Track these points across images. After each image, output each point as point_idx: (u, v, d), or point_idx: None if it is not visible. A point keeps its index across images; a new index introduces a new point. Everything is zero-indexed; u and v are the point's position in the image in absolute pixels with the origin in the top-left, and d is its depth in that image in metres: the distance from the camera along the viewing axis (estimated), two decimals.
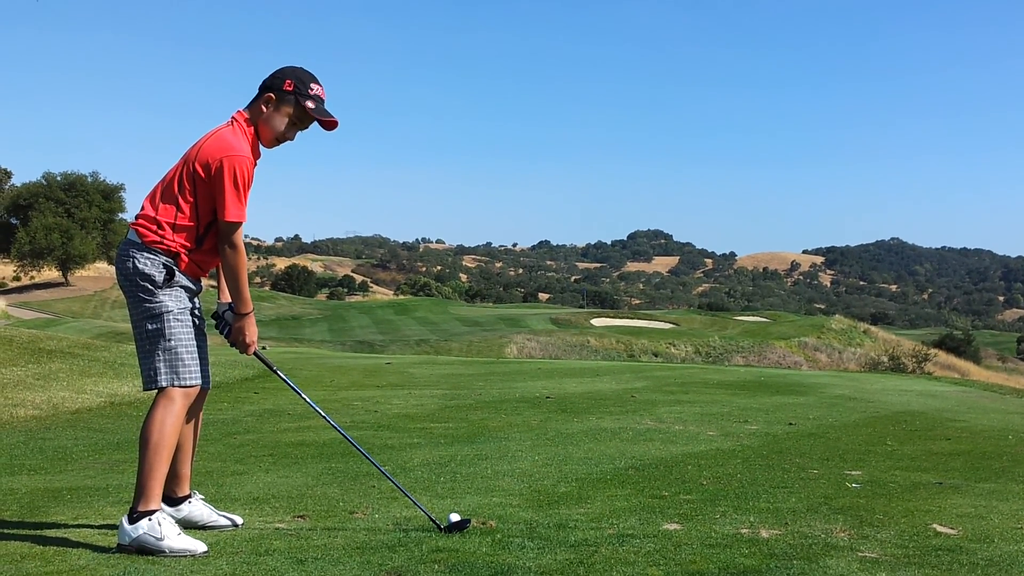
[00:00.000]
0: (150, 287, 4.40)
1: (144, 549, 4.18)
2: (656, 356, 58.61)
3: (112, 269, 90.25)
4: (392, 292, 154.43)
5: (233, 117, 4.57)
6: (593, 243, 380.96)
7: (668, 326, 74.25)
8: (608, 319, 76.77)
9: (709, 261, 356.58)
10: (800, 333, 68.22)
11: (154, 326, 4.42)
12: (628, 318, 79.34)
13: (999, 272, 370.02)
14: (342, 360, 21.54)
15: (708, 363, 57.68)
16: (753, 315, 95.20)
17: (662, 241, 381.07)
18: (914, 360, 43.79)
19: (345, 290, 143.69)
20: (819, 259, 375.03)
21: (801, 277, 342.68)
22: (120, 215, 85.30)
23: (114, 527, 4.69)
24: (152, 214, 4.42)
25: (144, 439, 4.36)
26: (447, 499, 5.39)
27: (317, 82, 4.60)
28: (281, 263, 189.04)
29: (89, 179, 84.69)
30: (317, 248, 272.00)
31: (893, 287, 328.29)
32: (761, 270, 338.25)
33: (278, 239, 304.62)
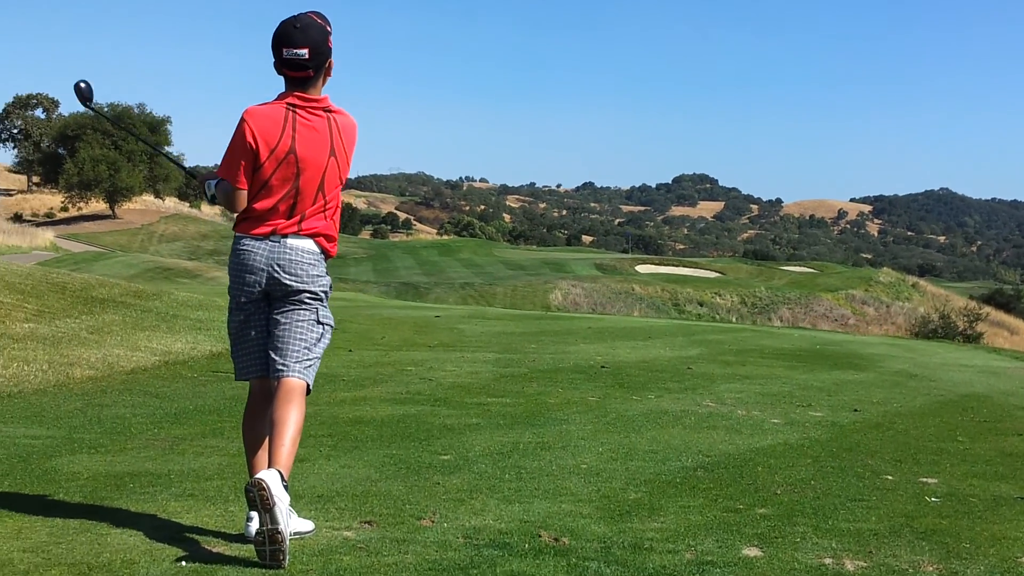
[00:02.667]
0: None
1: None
2: (702, 306, 58.26)
3: (158, 203, 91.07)
4: (435, 231, 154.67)
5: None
6: (638, 186, 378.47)
7: (714, 275, 73.71)
8: (653, 266, 76.30)
9: (755, 207, 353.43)
10: (847, 285, 67.49)
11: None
12: (673, 265, 78.75)
13: None
14: (391, 311, 21.49)
15: (754, 313, 57.40)
16: (799, 265, 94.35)
17: (707, 186, 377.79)
18: (965, 320, 43.14)
19: (389, 227, 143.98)
20: (867, 208, 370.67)
21: (848, 226, 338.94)
22: (166, 148, 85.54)
23: (175, 525, 4.63)
24: None
25: None
26: (515, 504, 5.25)
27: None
28: None
29: (136, 111, 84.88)
30: (361, 184, 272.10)
31: (941, 238, 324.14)
32: (807, 217, 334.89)
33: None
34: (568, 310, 49.13)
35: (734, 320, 55.15)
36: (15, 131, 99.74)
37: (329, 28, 4.40)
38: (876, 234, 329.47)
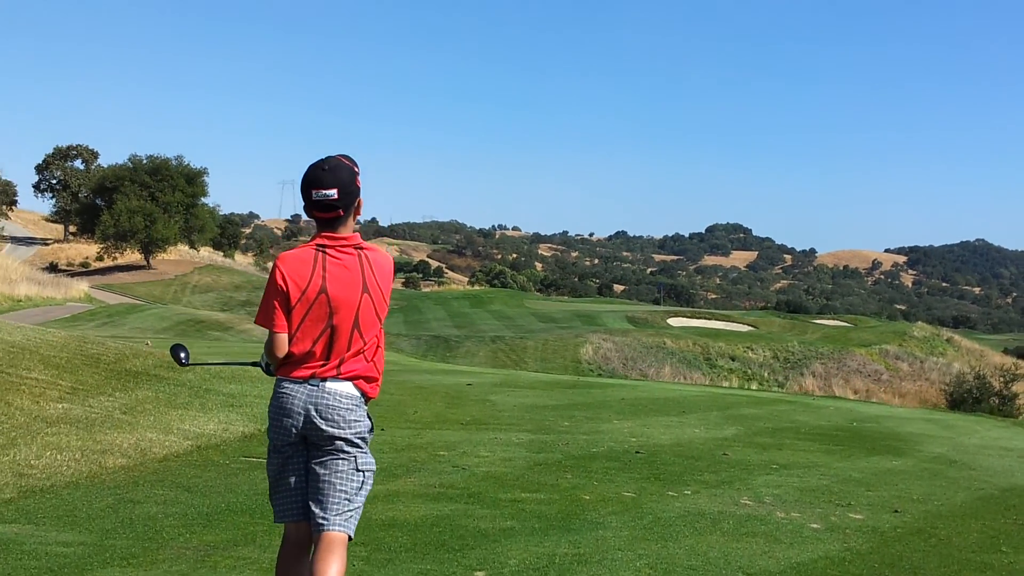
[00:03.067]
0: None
1: None
2: (734, 360, 57.83)
3: (192, 253, 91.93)
4: (467, 279, 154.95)
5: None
6: (671, 235, 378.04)
7: (746, 328, 73.38)
8: (685, 319, 76.07)
9: (788, 257, 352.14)
10: (881, 340, 67.00)
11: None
12: (705, 318, 78.44)
13: None
14: (422, 377, 21.44)
15: (787, 368, 56.93)
16: (833, 318, 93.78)
17: (741, 235, 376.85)
18: (1001, 380, 42.55)
19: (420, 276, 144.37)
20: (901, 258, 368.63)
21: (882, 276, 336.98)
22: (202, 199, 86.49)
23: None
24: None
25: None
26: None
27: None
28: None
29: (173, 163, 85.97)
30: (394, 232, 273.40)
31: (976, 289, 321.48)
32: (841, 268, 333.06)
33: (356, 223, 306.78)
34: (599, 365, 48.99)
35: (766, 375, 54.78)
36: (54, 181, 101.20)
37: (357, 169, 4.50)
38: (910, 285, 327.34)
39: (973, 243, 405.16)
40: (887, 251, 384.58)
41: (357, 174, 4.48)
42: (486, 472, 10.21)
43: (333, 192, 4.35)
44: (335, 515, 4.42)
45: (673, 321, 73.08)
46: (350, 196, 4.42)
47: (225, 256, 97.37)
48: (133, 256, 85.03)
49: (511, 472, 10.27)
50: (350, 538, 4.48)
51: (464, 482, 9.62)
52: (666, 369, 49.91)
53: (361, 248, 4.47)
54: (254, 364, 4.91)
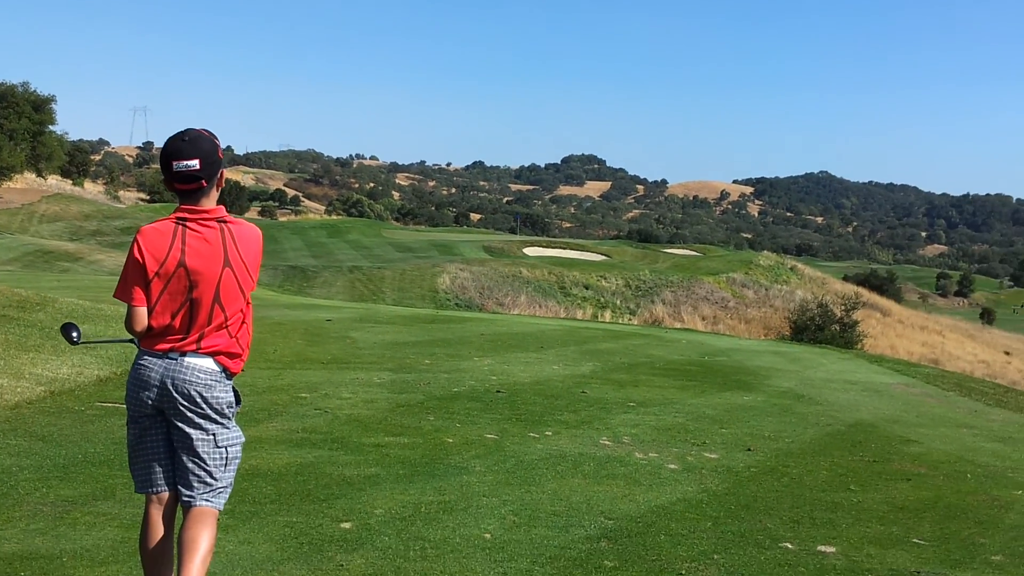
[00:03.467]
0: None
1: None
2: (587, 288, 58.67)
3: (39, 181, 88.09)
4: (324, 207, 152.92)
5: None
6: (527, 165, 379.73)
7: (600, 258, 74.53)
8: (541, 248, 76.83)
9: (640, 187, 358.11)
10: (728, 269, 68.84)
11: None
12: (560, 247, 79.38)
13: (923, 208, 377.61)
14: (281, 313, 21.14)
15: (638, 296, 58.05)
16: (682, 248, 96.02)
17: (595, 166, 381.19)
18: (842, 308, 44.33)
19: (277, 205, 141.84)
20: (748, 189, 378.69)
21: (730, 206, 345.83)
22: (50, 127, 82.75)
23: None
24: None
25: None
26: None
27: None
28: None
29: (19, 89, 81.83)
30: (249, 160, 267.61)
31: (819, 219, 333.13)
32: (691, 198, 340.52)
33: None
34: (456, 294, 49.06)
35: (619, 303, 55.78)
36: None
37: (218, 141, 4.39)
38: (757, 214, 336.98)
39: (817, 175, 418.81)
40: (735, 182, 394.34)
41: (219, 146, 4.37)
42: (348, 415, 10.18)
43: (195, 163, 4.22)
44: (200, 493, 4.37)
45: (529, 251, 73.64)
46: (212, 167, 4.29)
47: (74, 184, 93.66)
48: None
49: (374, 415, 10.27)
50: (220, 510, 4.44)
51: (327, 426, 9.58)
52: (522, 298, 50.32)
53: (225, 221, 4.35)
54: (131, 341, 4.77)
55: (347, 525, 6.38)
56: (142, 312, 4.28)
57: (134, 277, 4.27)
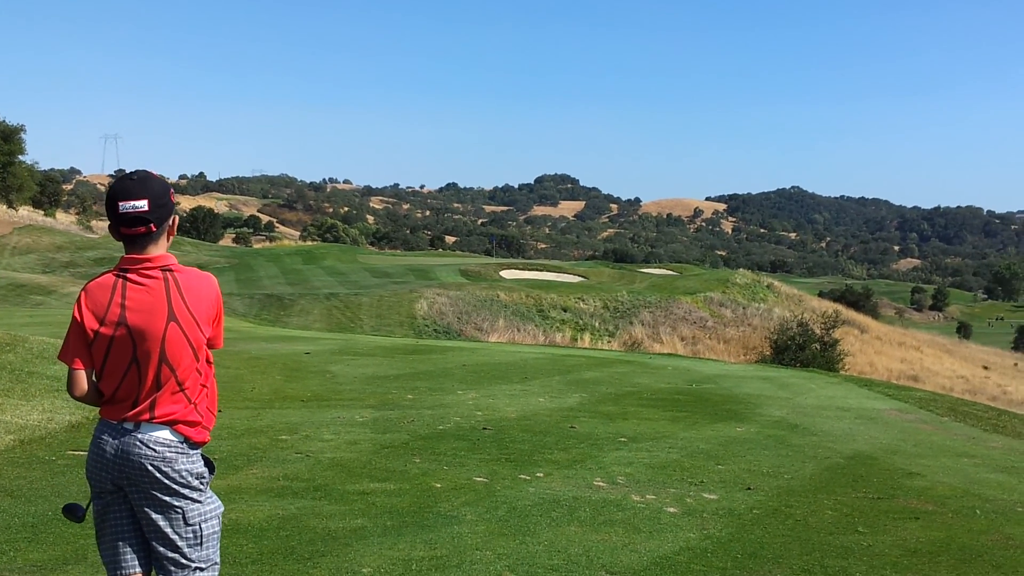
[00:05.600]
0: None
1: None
2: (566, 311, 58.39)
3: (10, 213, 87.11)
4: (299, 233, 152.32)
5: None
6: (500, 186, 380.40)
7: (577, 279, 74.49)
8: (517, 271, 76.76)
9: (614, 206, 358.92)
10: (705, 288, 68.90)
11: None
12: (537, 270, 79.29)
13: (895, 222, 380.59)
14: (259, 347, 20.72)
15: (616, 317, 57.77)
16: (659, 267, 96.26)
17: (568, 185, 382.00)
18: (822, 326, 44.20)
19: (251, 231, 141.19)
20: (721, 206, 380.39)
21: (704, 224, 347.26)
22: (20, 157, 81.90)
23: None
24: None
25: None
26: None
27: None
28: (186, 202, 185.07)
29: None
30: (222, 187, 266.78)
31: (793, 235, 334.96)
32: (665, 216, 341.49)
33: (182, 176, 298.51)
34: (435, 320, 48.66)
35: (597, 325, 55.52)
36: None
37: (168, 184, 3.98)
38: (730, 231, 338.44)
39: (789, 190, 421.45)
40: (708, 199, 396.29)
41: (170, 189, 3.98)
42: (331, 459, 9.79)
43: (143, 203, 3.82)
44: None
45: (506, 273, 73.46)
46: (163, 210, 3.90)
47: (46, 215, 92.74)
48: None
49: (358, 458, 9.88)
50: None
51: (309, 472, 9.19)
52: (500, 322, 50.00)
53: (170, 270, 3.93)
54: None
55: None
56: (81, 376, 3.91)
57: (75, 338, 3.91)
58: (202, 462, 4.05)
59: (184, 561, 3.96)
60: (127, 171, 4.07)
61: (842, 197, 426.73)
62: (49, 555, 6.59)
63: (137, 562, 4.00)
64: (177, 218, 4.07)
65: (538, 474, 9.38)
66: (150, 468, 3.87)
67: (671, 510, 8.20)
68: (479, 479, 9.08)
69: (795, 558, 6.95)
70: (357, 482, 8.85)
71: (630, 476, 9.45)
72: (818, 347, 41.11)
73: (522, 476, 9.26)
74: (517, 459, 10.04)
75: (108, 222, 3.94)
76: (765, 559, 6.90)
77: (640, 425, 12.42)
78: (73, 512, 4.14)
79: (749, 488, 9.13)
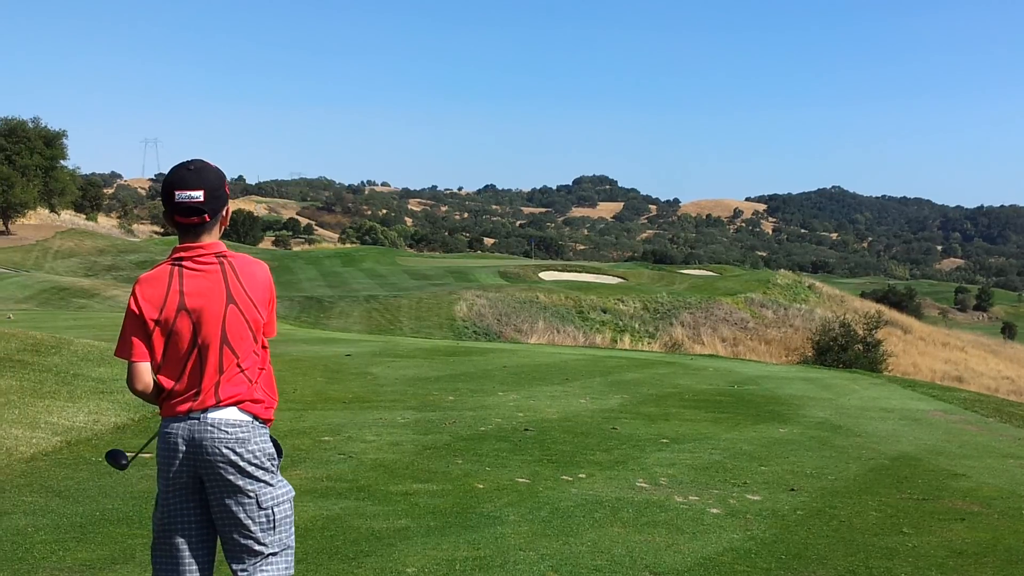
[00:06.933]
0: None
1: None
2: (605, 312, 58.31)
3: (53, 217, 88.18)
4: (338, 235, 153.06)
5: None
6: (539, 188, 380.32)
7: (616, 280, 74.22)
8: (556, 272, 76.63)
9: (653, 207, 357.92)
10: (746, 289, 68.42)
11: None
12: (576, 271, 79.13)
13: (937, 222, 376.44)
14: (300, 349, 20.86)
15: (657, 319, 57.56)
16: (699, 268, 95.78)
17: (607, 187, 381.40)
18: (865, 327, 43.85)
19: (290, 234, 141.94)
20: (761, 207, 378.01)
21: (744, 224, 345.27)
22: (62, 161, 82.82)
23: None
24: None
25: None
26: None
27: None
28: None
29: (30, 125, 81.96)
30: (262, 190, 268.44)
31: (834, 235, 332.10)
32: (704, 217, 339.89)
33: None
34: (474, 322, 48.72)
35: (637, 327, 55.36)
36: None
37: (223, 173, 4.03)
38: (771, 232, 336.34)
39: (829, 190, 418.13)
40: (748, 199, 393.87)
41: (225, 179, 4.03)
42: (374, 460, 9.85)
43: (199, 193, 3.89)
44: (251, 565, 3.98)
45: (544, 275, 73.39)
46: (217, 201, 3.96)
47: (88, 219, 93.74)
48: None
49: (400, 459, 9.93)
50: None
51: (352, 473, 9.25)
52: (540, 324, 49.98)
53: (224, 256, 4.00)
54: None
55: None
56: (143, 368, 3.93)
57: (133, 330, 3.93)
58: (271, 443, 4.09)
59: (258, 547, 3.97)
60: (165, 174, 4.11)
61: (884, 197, 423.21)
62: (97, 555, 6.67)
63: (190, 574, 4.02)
64: (230, 208, 4.12)
65: (580, 475, 9.38)
66: (225, 451, 3.90)
67: (714, 511, 8.18)
68: (521, 480, 9.10)
69: (839, 559, 6.91)
70: (400, 483, 8.89)
71: (673, 477, 9.44)
72: (861, 348, 40.75)
73: (564, 477, 9.27)
74: (559, 460, 10.04)
75: (163, 210, 3.99)
76: (809, 560, 6.86)
77: (682, 426, 12.38)
78: (116, 459, 4.21)
79: (792, 489, 9.08)
